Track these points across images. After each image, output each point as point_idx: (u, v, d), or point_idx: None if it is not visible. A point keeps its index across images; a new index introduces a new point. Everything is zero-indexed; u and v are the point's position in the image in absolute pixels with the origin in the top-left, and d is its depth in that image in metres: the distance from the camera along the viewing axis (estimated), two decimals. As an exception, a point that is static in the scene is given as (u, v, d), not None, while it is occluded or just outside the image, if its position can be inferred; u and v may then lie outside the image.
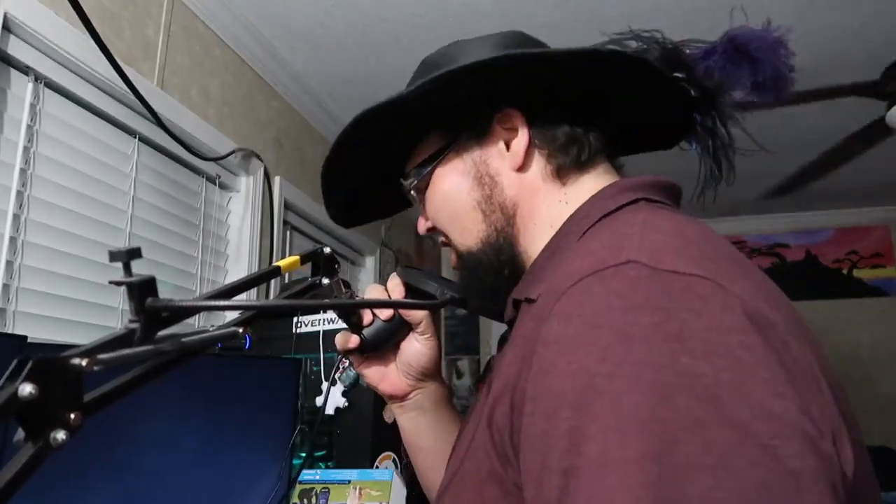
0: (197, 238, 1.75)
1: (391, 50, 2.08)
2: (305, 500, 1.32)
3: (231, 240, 1.93)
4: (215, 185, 1.85)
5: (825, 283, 3.87)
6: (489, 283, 0.65)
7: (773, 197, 3.03)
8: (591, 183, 0.63)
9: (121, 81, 1.33)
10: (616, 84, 0.63)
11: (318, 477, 1.35)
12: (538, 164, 0.63)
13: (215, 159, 1.77)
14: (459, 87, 0.60)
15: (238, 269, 1.89)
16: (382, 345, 0.73)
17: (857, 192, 3.51)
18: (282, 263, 0.45)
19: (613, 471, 0.36)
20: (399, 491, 1.27)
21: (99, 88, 1.41)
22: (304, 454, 1.47)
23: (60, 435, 0.26)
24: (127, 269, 0.28)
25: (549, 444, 0.40)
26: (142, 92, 1.38)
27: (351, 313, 0.70)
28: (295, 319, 1.57)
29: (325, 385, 1.51)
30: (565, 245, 0.57)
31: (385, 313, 0.71)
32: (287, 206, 2.21)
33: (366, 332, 0.71)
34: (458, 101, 0.63)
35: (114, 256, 0.27)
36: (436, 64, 0.64)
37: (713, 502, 0.34)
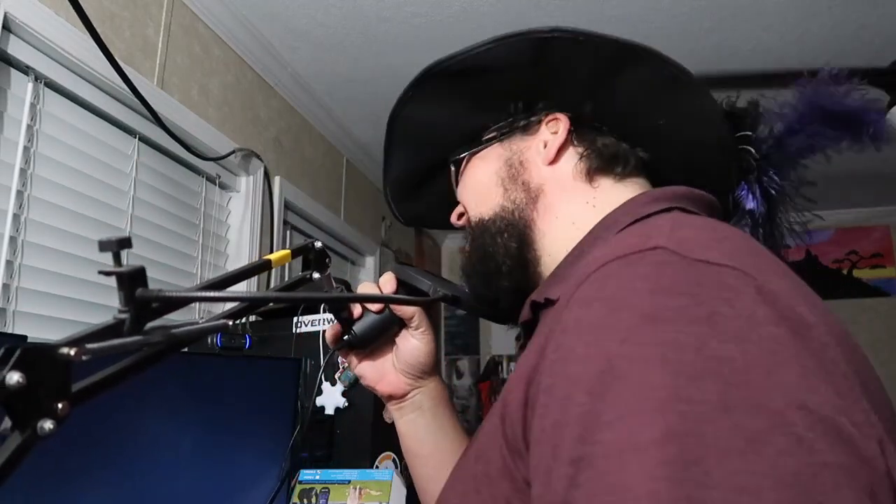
0: (197, 238, 1.75)
1: (391, 50, 2.09)
2: (305, 500, 1.31)
3: (231, 240, 1.93)
4: (215, 185, 1.85)
5: (825, 283, 3.86)
6: (491, 256, 0.65)
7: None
8: (623, 193, 0.63)
9: (121, 81, 1.33)
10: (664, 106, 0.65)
11: (318, 477, 1.34)
12: (570, 161, 0.65)
13: (215, 159, 1.77)
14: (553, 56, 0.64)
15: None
16: (373, 339, 0.72)
17: (857, 192, 3.51)
18: (273, 257, 0.45)
19: (631, 457, 0.33)
20: (399, 491, 1.27)
21: (99, 88, 1.42)
22: (304, 454, 1.46)
23: (48, 424, 0.26)
24: (117, 259, 0.28)
25: (560, 433, 0.37)
26: (142, 92, 1.38)
27: (341, 308, 0.70)
28: (295, 319, 1.57)
29: (324, 385, 1.50)
30: (592, 249, 0.57)
31: (375, 307, 0.70)
32: (287, 206, 2.21)
33: (356, 326, 0.70)
34: (512, 87, 0.67)
35: (103, 246, 0.27)
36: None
37: (741, 489, 0.31)
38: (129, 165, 1.50)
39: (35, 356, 0.26)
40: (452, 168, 0.74)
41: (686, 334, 0.36)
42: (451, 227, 0.79)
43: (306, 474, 1.30)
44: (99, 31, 1.22)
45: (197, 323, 0.31)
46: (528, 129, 0.69)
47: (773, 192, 0.68)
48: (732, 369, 0.34)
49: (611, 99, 0.65)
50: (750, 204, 0.70)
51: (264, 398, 1.24)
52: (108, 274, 0.28)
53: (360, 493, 1.28)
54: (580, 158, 0.65)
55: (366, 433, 1.48)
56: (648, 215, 0.55)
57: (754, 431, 0.33)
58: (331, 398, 1.48)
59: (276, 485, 1.20)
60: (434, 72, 0.67)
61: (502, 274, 0.65)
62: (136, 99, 1.38)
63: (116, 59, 1.29)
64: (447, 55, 0.65)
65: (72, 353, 0.26)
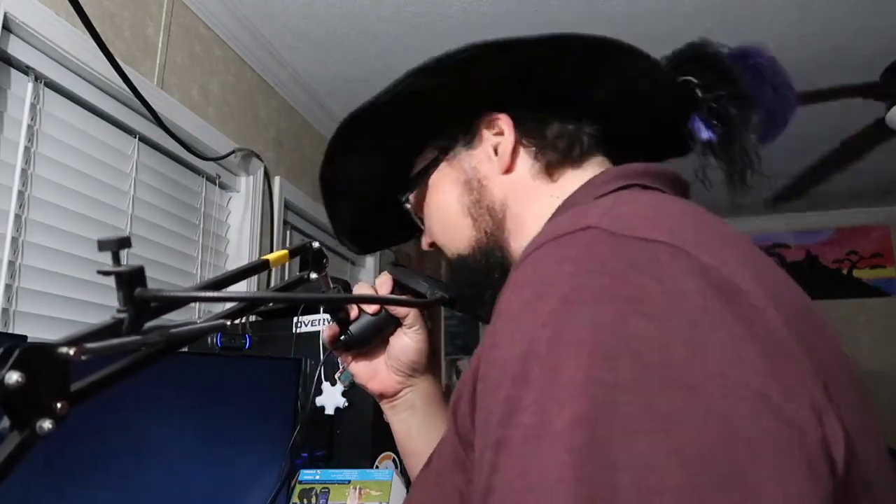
0: (197, 238, 1.75)
1: (391, 50, 2.09)
2: (305, 500, 1.31)
3: (231, 240, 1.93)
4: (215, 184, 1.85)
5: (825, 283, 3.86)
6: (477, 286, 0.65)
7: (774, 204, 2.98)
8: (583, 177, 0.60)
9: (121, 81, 1.33)
10: (598, 76, 0.61)
11: (318, 477, 1.34)
12: (526, 162, 0.63)
13: (215, 159, 1.77)
14: (431, 89, 0.61)
15: (238, 269, 1.90)
16: (369, 340, 0.72)
17: (856, 192, 3.51)
18: (271, 257, 0.45)
19: (544, 441, 0.33)
20: (399, 491, 1.27)
21: (99, 88, 1.42)
22: (304, 454, 1.46)
23: (47, 424, 0.26)
24: (115, 259, 0.28)
25: (489, 420, 0.37)
26: (142, 92, 1.38)
27: (338, 308, 0.70)
28: (295, 319, 1.57)
29: (324, 385, 1.50)
30: None
31: (371, 308, 0.71)
32: (287, 206, 2.21)
33: (352, 327, 0.71)
34: (440, 108, 0.64)
35: (103, 245, 0.27)
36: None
37: (649, 468, 0.31)
38: (129, 165, 1.50)
39: (34, 355, 0.26)
40: (407, 205, 0.72)
41: (604, 314, 0.35)
42: (409, 241, 0.83)
43: (306, 474, 1.30)
44: (99, 31, 1.22)
45: (195, 323, 0.31)
46: (471, 139, 0.66)
47: (730, 112, 0.61)
48: (650, 347, 0.34)
49: (540, 87, 0.62)
50: (704, 134, 0.63)
51: (264, 398, 1.24)
52: (107, 273, 0.28)
53: (360, 493, 1.28)
54: (535, 157, 0.63)
55: (366, 433, 1.48)
56: (604, 195, 0.53)
57: (667, 410, 0.32)
58: (331, 398, 1.48)
59: (276, 485, 1.20)
60: (359, 119, 0.64)
61: (494, 280, 0.64)
62: (136, 99, 1.38)
63: (116, 59, 1.29)
64: (360, 106, 0.62)
65: (71, 352, 0.26)
